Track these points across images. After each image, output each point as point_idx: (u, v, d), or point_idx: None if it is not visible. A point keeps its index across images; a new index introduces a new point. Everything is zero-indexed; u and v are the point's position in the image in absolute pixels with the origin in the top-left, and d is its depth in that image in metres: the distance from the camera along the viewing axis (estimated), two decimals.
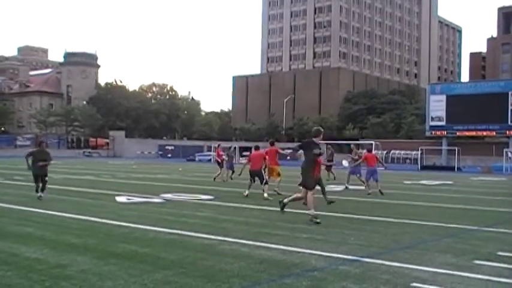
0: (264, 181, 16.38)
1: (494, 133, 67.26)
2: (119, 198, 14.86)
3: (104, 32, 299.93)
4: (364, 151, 22.32)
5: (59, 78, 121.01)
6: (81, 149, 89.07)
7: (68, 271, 6.17)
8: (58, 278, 5.87)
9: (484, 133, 68.20)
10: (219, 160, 26.27)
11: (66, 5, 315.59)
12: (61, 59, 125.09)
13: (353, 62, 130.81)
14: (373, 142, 54.37)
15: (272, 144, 17.91)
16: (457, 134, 68.91)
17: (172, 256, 7.10)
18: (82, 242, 8.10)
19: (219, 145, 29.18)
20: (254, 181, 16.64)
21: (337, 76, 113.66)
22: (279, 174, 17.16)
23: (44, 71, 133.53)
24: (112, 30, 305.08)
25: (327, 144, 33.40)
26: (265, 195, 15.61)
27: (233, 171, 24.67)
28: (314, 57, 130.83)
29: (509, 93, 64.60)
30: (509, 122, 64.29)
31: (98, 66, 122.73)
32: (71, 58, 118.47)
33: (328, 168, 26.47)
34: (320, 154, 11.46)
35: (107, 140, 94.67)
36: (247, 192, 16.56)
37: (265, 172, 17.14)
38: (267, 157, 16.98)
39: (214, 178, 24.97)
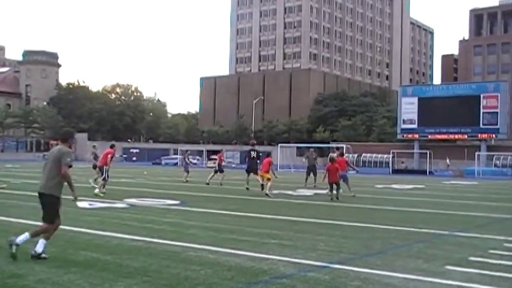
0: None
1: (466, 136, 67.36)
2: (80, 204, 14.06)
3: (65, 30, 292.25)
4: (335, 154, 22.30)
5: (17, 78, 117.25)
6: (41, 152, 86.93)
7: (24, 281, 5.93)
8: None
9: (456, 136, 68.19)
10: (221, 164, 26.99)
11: (24, 1, 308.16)
12: (19, 58, 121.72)
13: (323, 63, 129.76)
14: (344, 145, 54.29)
15: (268, 155, 21.94)
16: (429, 137, 68.99)
17: (135, 264, 6.91)
18: None
19: (221, 150, 30.92)
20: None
21: (308, 77, 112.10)
22: (269, 179, 19.54)
23: (1, 70, 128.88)
24: (74, 29, 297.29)
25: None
26: None
27: (188, 172, 28.94)
28: (284, 58, 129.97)
29: (481, 95, 64.82)
30: (481, 125, 64.42)
31: (59, 66, 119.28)
32: (30, 56, 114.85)
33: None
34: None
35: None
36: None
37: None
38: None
39: (221, 183, 25.35)
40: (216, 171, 26.11)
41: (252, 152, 22.44)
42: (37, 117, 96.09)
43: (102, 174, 18.68)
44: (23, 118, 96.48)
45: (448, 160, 63.28)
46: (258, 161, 22.40)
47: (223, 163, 27.58)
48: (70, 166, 7.36)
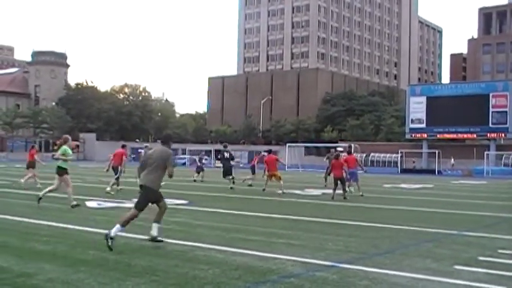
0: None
1: (475, 136, 66.90)
2: (89, 204, 14.52)
3: (74, 31, 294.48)
4: (344, 154, 22.65)
5: (26, 78, 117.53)
6: (50, 152, 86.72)
7: (34, 280, 5.94)
8: (23, 287, 5.68)
9: (465, 135, 67.77)
10: (254, 165, 27.33)
11: (33, 2, 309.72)
12: (28, 58, 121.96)
13: (331, 63, 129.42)
14: (352, 144, 54.11)
15: (269, 152, 21.94)
16: (438, 136, 68.58)
17: (144, 263, 6.93)
18: (50, 249, 7.86)
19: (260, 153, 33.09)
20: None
21: (315, 77, 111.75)
22: (280, 178, 20.52)
23: (10, 70, 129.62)
24: (82, 29, 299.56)
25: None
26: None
27: (200, 171, 28.89)
28: (292, 57, 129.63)
29: (490, 94, 64.35)
30: (490, 124, 63.96)
31: (68, 66, 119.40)
32: (39, 57, 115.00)
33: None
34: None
35: (77, 143, 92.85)
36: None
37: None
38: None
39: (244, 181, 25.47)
40: (253, 173, 25.93)
41: (225, 153, 23.00)
42: (46, 117, 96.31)
43: (116, 174, 19.50)
44: (32, 118, 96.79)
45: (452, 159, 62.95)
46: (231, 162, 23.23)
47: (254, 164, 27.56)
48: (174, 165, 8.70)
